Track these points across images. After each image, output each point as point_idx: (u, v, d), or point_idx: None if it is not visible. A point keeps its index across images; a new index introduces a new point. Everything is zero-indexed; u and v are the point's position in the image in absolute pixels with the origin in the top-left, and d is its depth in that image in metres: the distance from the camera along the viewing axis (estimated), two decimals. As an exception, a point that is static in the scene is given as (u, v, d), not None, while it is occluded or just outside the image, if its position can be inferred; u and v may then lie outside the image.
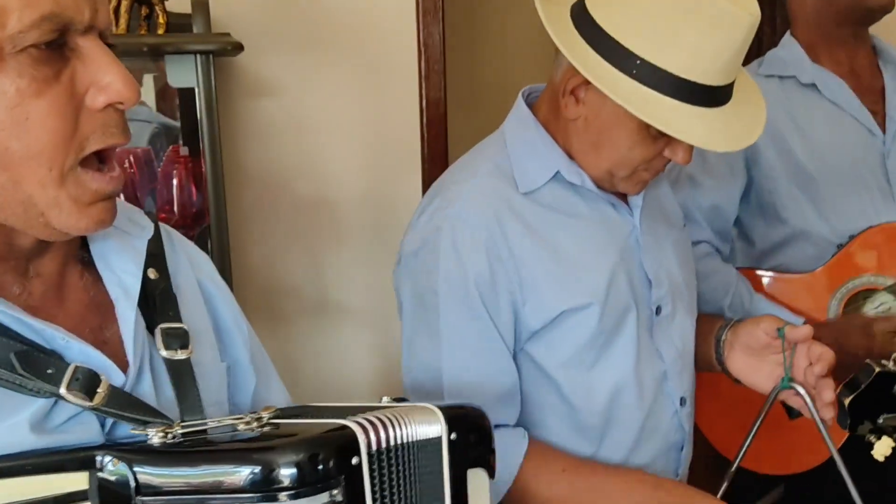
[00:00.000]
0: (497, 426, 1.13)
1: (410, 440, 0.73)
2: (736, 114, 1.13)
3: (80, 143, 0.69)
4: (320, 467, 0.66)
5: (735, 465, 1.31)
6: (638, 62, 1.06)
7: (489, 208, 1.16)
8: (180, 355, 0.78)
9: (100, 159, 0.72)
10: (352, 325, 2.09)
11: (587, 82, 1.10)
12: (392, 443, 0.72)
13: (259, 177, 1.95)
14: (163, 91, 1.93)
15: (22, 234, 0.72)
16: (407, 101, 2.04)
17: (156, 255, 0.83)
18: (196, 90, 1.58)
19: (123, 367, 0.74)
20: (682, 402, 1.28)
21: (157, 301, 0.80)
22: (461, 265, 1.15)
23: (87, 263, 0.80)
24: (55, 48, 0.67)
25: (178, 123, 1.84)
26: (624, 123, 1.12)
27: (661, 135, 1.11)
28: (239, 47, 1.60)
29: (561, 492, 1.17)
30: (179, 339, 0.79)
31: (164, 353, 0.78)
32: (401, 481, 0.72)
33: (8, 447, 0.66)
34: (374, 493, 0.69)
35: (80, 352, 0.72)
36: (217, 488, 0.65)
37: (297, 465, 0.65)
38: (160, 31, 1.57)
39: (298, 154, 1.98)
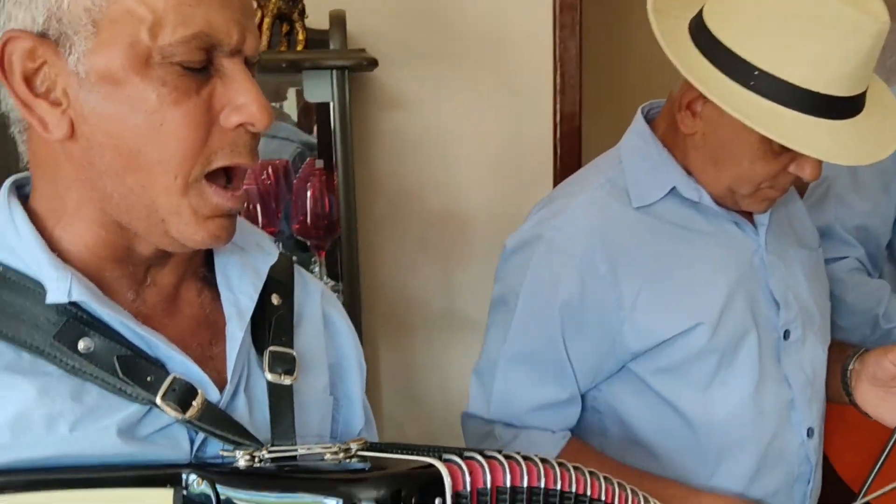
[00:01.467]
0: (530, 427, 1.17)
1: (506, 485, 0.70)
2: (868, 126, 1.05)
3: (208, 157, 0.70)
4: (401, 501, 0.63)
5: (860, 501, 1.22)
6: (756, 73, 1.01)
7: (593, 224, 1.14)
8: (284, 380, 0.78)
9: (227, 179, 0.73)
10: (479, 339, 2.06)
11: (703, 96, 1.05)
12: (485, 486, 0.68)
13: (391, 189, 1.97)
14: (304, 106, 1.99)
15: (143, 240, 0.73)
16: (541, 115, 2.02)
17: (283, 284, 0.84)
18: (331, 104, 1.62)
19: (221, 385, 0.74)
20: (810, 432, 1.20)
21: (273, 325, 0.80)
22: (551, 280, 1.14)
23: (208, 282, 0.81)
24: (200, 66, 0.69)
25: (316, 140, 1.89)
26: (743, 138, 1.07)
27: (785, 149, 1.05)
28: (374, 63, 1.62)
29: None
30: (286, 364, 0.78)
31: (268, 375, 0.77)
32: None
33: (94, 449, 0.66)
34: None
35: (180, 364, 0.72)
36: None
37: (378, 500, 0.63)
38: (299, 48, 1.62)
39: (430, 167, 1.98)
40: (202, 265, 0.81)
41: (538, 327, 1.15)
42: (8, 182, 0.75)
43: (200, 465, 0.69)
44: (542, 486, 0.72)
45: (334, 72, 1.56)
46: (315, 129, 1.94)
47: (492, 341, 1.23)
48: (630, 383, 1.18)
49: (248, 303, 0.79)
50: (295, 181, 1.73)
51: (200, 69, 0.68)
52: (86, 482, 0.64)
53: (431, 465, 0.66)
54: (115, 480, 0.65)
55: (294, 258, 0.91)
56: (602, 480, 0.78)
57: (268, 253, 0.83)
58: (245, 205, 1.64)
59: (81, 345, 0.68)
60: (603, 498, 0.77)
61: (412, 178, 1.98)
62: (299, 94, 1.99)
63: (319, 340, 0.87)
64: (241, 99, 0.70)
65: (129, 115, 0.67)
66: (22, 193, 0.75)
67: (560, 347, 1.15)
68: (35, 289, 0.69)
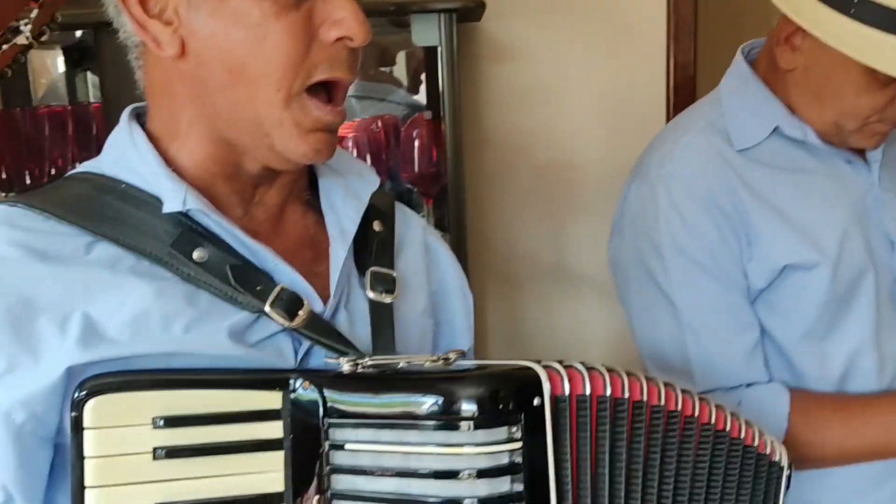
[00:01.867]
0: (750, 385, 1.10)
1: (605, 395, 0.70)
2: None
3: (308, 70, 0.72)
4: (500, 403, 0.64)
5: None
6: (856, 0, 0.95)
7: (706, 162, 1.10)
8: (385, 299, 0.80)
9: (329, 96, 0.75)
10: (587, 293, 2.05)
11: (802, 28, 1.00)
12: (584, 393, 0.69)
13: (499, 141, 1.97)
14: (414, 71, 2.01)
15: (250, 158, 0.76)
16: (654, 64, 1.96)
17: (384, 213, 0.87)
18: (439, 49, 1.62)
19: (325, 302, 0.77)
20: None
21: (374, 248, 0.84)
22: (684, 224, 1.09)
23: (312, 206, 0.84)
24: None
25: (426, 98, 1.91)
26: (846, 70, 1.01)
27: (891, 80, 0.99)
28: (481, 5, 1.61)
29: (835, 433, 1.09)
30: (386, 284, 0.81)
31: (369, 293, 0.80)
32: (592, 435, 0.69)
33: (206, 350, 0.70)
34: (556, 439, 0.66)
35: (287, 276, 0.75)
36: (400, 415, 0.66)
37: (478, 398, 0.64)
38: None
39: (540, 118, 1.96)
40: (307, 189, 0.84)
41: (694, 267, 1.10)
42: (127, 109, 0.80)
43: (306, 371, 0.71)
44: (645, 400, 0.72)
45: (442, 15, 1.55)
46: (424, 89, 1.96)
47: (658, 321, 1.15)
48: None
49: (351, 225, 0.81)
50: (402, 129, 1.75)
51: None
52: (203, 382, 0.68)
53: (530, 368, 0.66)
54: (228, 382, 0.68)
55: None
56: (713, 406, 0.77)
57: (369, 181, 0.86)
58: (355, 152, 1.69)
59: (196, 254, 0.72)
60: (713, 421, 0.77)
61: (521, 130, 1.97)
62: (409, 56, 2.01)
63: (420, 266, 0.89)
64: (339, 14, 0.71)
65: (233, 30, 0.70)
66: (140, 122, 0.79)
67: (724, 278, 1.10)
68: (154, 203, 0.74)
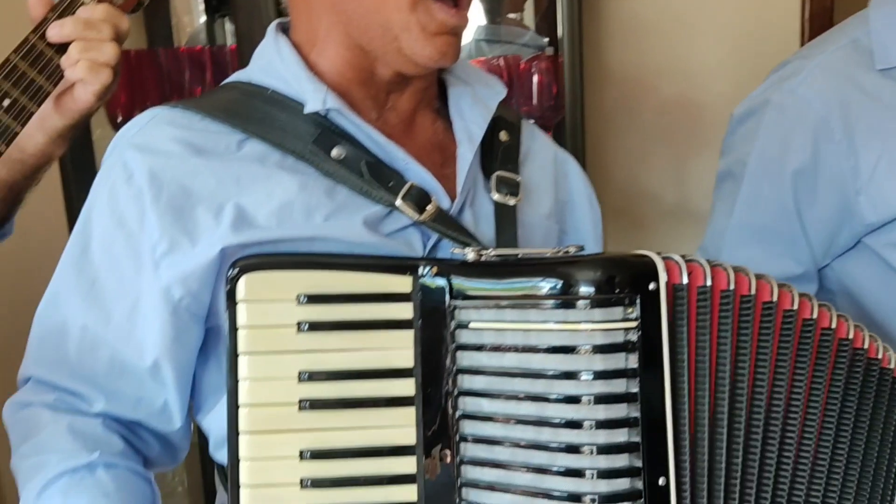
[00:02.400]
0: None
1: (729, 290, 0.71)
2: None
3: None
4: (616, 286, 0.67)
5: None
6: None
7: (831, 85, 1.05)
8: (509, 201, 0.85)
9: (454, 1, 0.79)
10: (713, 234, 2.02)
11: None
12: (705, 285, 0.70)
13: (623, 77, 1.95)
14: (543, 14, 2.00)
15: (382, 63, 0.82)
16: (789, -6, 1.90)
17: (511, 124, 0.91)
18: None
19: (452, 201, 0.83)
20: None
21: (500, 155, 0.88)
22: (782, 146, 1.07)
23: (441, 114, 0.89)
24: None
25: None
26: None
27: None
28: None
29: None
30: (511, 187, 0.86)
31: (494, 196, 0.85)
32: (713, 327, 0.71)
33: (343, 237, 0.77)
34: (672, 325, 0.68)
35: (417, 174, 0.81)
36: (521, 296, 0.70)
37: (595, 280, 0.67)
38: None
39: (665, 54, 1.93)
40: (437, 99, 0.89)
41: (769, 197, 1.10)
42: (273, 23, 0.87)
43: (435, 259, 0.77)
44: (775, 301, 0.72)
45: None
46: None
47: (718, 217, 1.18)
48: (866, 260, 1.10)
49: (478, 130, 0.86)
50: (522, 64, 1.76)
51: None
52: (341, 265, 0.74)
53: (647, 256, 0.69)
54: (364, 266, 0.74)
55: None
56: (833, 312, 0.77)
57: (496, 90, 0.89)
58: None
59: (335, 151, 0.78)
60: (850, 336, 0.77)
61: (646, 66, 1.94)
62: (537, 2, 2.01)
63: (547, 175, 0.93)
64: None
65: None
66: (288, 33, 0.86)
67: (793, 218, 1.09)
68: (296, 106, 0.80)
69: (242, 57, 1.57)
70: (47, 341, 0.82)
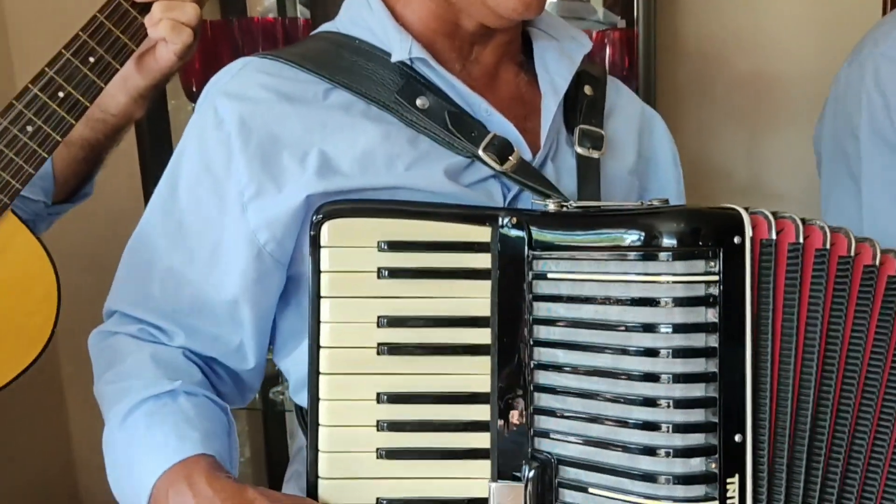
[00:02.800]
0: None
1: (825, 249, 0.70)
2: None
3: None
4: (700, 238, 0.67)
5: None
6: None
7: None
8: (592, 154, 0.85)
9: None
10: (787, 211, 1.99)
11: None
12: (797, 241, 0.69)
13: (695, 51, 1.92)
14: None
15: (467, 16, 0.83)
16: (871, -36, 1.84)
17: (596, 79, 0.91)
18: None
19: (535, 153, 0.83)
20: None
21: (584, 108, 0.88)
22: (886, 107, 1.05)
23: (525, 68, 0.90)
24: None
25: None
26: None
27: None
28: None
29: None
30: (594, 141, 0.86)
31: (577, 149, 0.85)
32: (804, 286, 0.70)
33: (425, 186, 0.78)
34: (756, 281, 0.68)
35: (499, 125, 0.81)
36: (601, 248, 0.70)
37: (678, 232, 0.67)
38: None
39: (740, 26, 1.89)
40: (520, 52, 0.89)
41: (890, 153, 1.07)
42: None
43: (515, 209, 0.78)
44: (877, 265, 0.70)
45: None
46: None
47: (840, 203, 1.13)
48: None
49: (562, 83, 0.86)
50: (594, 35, 1.74)
51: None
52: (421, 214, 0.75)
53: (734, 209, 0.69)
54: (444, 215, 0.75)
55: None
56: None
57: (581, 44, 0.90)
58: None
59: (419, 101, 0.80)
60: None
61: (719, 39, 1.91)
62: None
63: (631, 130, 0.93)
64: None
65: None
66: None
67: None
68: (383, 57, 0.82)
69: (316, 26, 1.60)
70: (133, 278, 0.86)
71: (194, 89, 1.66)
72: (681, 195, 0.97)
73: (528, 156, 0.82)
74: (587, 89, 0.89)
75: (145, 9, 0.97)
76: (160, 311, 0.84)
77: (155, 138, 1.65)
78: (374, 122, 0.80)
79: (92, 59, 0.95)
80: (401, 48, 0.80)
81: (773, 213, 0.70)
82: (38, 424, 2.04)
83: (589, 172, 0.84)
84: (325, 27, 0.90)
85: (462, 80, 0.82)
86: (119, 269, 0.87)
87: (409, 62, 0.81)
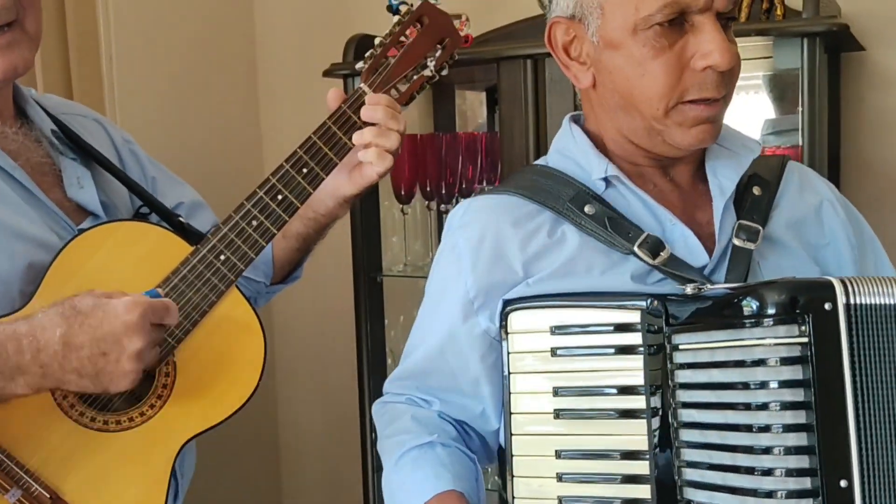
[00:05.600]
0: None
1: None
2: None
3: (681, 93, 0.95)
4: (797, 306, 0.82)
5: None
6: None
7: None
8: (747, 245, 1.00)
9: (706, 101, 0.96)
10: None
11: None
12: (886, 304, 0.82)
13: (881, 171, 1.94)
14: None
15: (654, 151, 1.02)
16: None
17: (767, 181, 1.06)
18: (800, 73, 1.57)
19: (710, 250, 1.00)
20: None
21: (748, 207, 1.03)
22: None
23: (700, 176, 1.07)
24: (675, 24, 0.93)
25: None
26: None
27: None
28: (845, 28, 1.57)
29: None
30: (749, 234, 1.00)
31: (734, 241, 1.00)
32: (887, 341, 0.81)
33: (616, 288, 0.97)
34: (851, 345, 0.81)
35: (681, 232, 1.00)
36: (724, 319, 0.87)
37: (779, 301, 0.83)
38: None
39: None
40: (697, 161, 1.07)
41: None
42: (567, 116, 1.13)
43: (658, 294, 0.94)
44: None
45: (804, 39, 1.54)
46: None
47: None
48: None
49: (729, 184, 1.03)
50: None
51: (675, 27, 0.93)
52: (585, 304, 0.96)
53: (827, 279, 0.83)
54: (601, 304, 0.96)
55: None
56: None
57: (751, 150, 1.06)
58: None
59: (587, 208, 1.01)
60: None
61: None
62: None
63: (803, 224, 1.06)
64: (707, 47, 0.93)
65: (624, 68, 0.97)
66: (579, 123, 1.10)
67: None
68: (567, 179, 1.05)
69: (503, 140, 1.81)
70: (404, 365, 1.13)
71: (402, 192, 1.96)
72: (870, 269, 1.07)
73: (703, 258, 0.98)
74: (756, 190, 1.03)
75: (352, 128, 1.18)
76: (422, 388, 1.10)
77: (366, 233, 1.98)
78: (575, 234, 1.01)
79: (305, 171, 1.18)
80: (599, 168, 1.02)
81: (858, 280, 0.82)
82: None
83: (740, 260, 0.98)
84: (539, 161, 1.13)
85: (654, 196, 1.01)
86: (403, 361, 1.14)
87: (606, 180, 1.02)
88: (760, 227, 1.00)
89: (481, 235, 1.03)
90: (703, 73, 0.94)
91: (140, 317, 0.96)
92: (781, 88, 1.94)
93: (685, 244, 1.00)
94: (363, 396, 2.01)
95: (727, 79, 0.96)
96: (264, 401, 2.51)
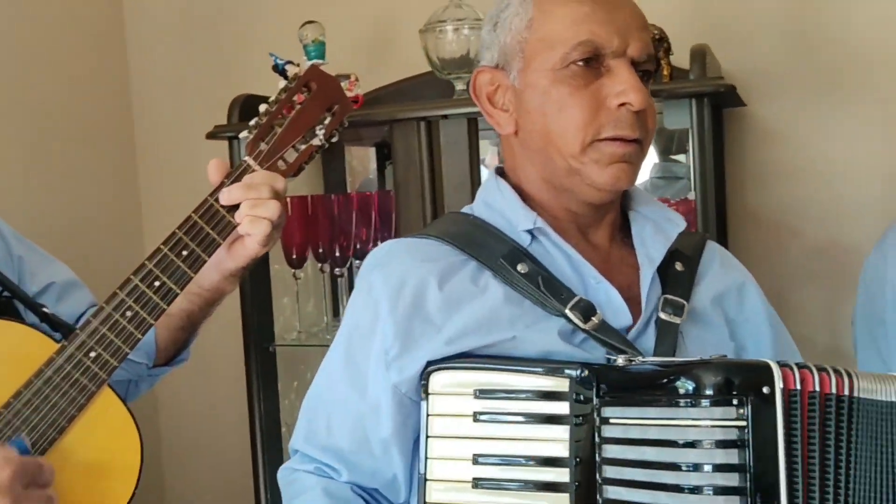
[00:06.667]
0: None
1: (855, 395, 0.80)
2: None
3: (597, 129, 0.97)
4: (734, 388, 0.79)
5: None
6: None
7: None
8: (673, 319, 1.00)
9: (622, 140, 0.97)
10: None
11: None
12: (832, 392, 0.80)
13: (765, 219, 2.00)
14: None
15: (575, 198, 1.02)
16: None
17: (689, 257, 1.08)
18: (690, 132, 1.69)
19: (636, 315, 0.99)
20: None
21: (671, 282, 1.04)
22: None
23: (629, 246, 1.07)
24: (592, 67, 0.97)
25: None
26: None
27: None
28: (731, 89, 1.65)
29: None
30: (675, 309, 1.01)
31: (660, 314, 1.01)
32: (820, 428, 0.79)
33: (541, 342, 0.94)
34: (787, 431, 0.78)
35: (606, 292, 0.99)
36: (657, 395, 0.84)
37: (716, 382, 0.80)
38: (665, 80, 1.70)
39: (811, 198, 1.97)
40: (625, 234, 1.08)
41: None
42: (493, 168, 1.12)
43: (588, 364, 0.91)
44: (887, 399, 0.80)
45: (693, 101, 1.62)
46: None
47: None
48: None
49: (657, 255, 1.03)
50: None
51: (591, 69, 0.97)
52: (510, 368, 0.91)
53: (765, 363, 0.81)
54: (528, 369, 0.91)
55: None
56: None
57: (676, 224, 1.07)
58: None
59: (519, 267, 0.98)
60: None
61: (790, 210, 1.99)
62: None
63: (724, 301, 1.07)
64: (620, 86, 0.96)
65: (543, 106, 0.99)
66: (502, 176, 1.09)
67: None
68: (499, 234, 1.02)
69: (398, 200, 1.79)
70: (310, 424, 1.06)
71: (294, 256, 1.90)
72: (783, 353, 1.08)
73: (627, 319, 0.98)
74: (678, 265, 1.05)
75: (233, 209, 1.13)
76: (328, 451, 1.03)
77: (257, 300, 1.91)
78: (499, 286, 0.98)
79: (185, 253, 1.11)
80: (526, 220, 1.01)
81: (804, 365, 0.81)
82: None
83: (667, 334, 0.99)
84: (464, 209, 1.11)
85: (577, 249, 1.00)
86: (300, 414, 1.07)
87: (532, 232, 1.00)
88: (685, 302, 1.01)
89: (401, 281, 0.99)
90: (617, 112, 0.96)
91: (9, 479, 0.87)
92: (667, 137, 2.01)
93: (609, 303, 0.99)
94: (257, 471, 1.93)
95: (641, 121, 0.98)
96: (150, 485, 2.34)
